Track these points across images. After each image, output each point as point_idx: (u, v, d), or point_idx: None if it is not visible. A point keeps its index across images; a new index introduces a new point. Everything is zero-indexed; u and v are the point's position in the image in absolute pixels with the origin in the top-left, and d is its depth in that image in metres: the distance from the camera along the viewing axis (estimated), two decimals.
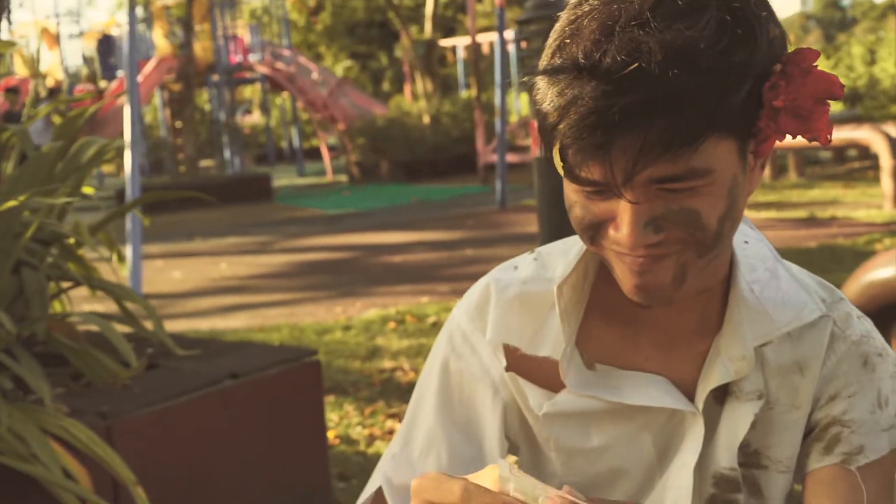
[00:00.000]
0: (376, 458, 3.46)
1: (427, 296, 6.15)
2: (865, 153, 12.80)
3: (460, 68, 27.08)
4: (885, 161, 7.95)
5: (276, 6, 20.60)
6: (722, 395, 1.08)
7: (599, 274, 1.09)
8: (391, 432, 3.69)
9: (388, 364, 4.62)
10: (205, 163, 18.26)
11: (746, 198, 1.00)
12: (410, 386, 4.21)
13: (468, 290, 1.19)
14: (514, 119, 17.93)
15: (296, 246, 9.29)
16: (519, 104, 19.95)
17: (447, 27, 30.79)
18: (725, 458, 1.09)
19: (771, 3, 0.95)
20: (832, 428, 1.08)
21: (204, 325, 5.64)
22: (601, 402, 1.08)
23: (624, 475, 1.11)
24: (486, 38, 20.18)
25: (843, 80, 0.92)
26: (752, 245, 1.11)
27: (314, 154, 23.72)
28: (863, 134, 8.24)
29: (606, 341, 1.11)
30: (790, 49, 0.95)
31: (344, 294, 6.47)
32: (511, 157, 11.76)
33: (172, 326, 4.95)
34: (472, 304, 1.17)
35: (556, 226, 3.79)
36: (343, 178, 17.88)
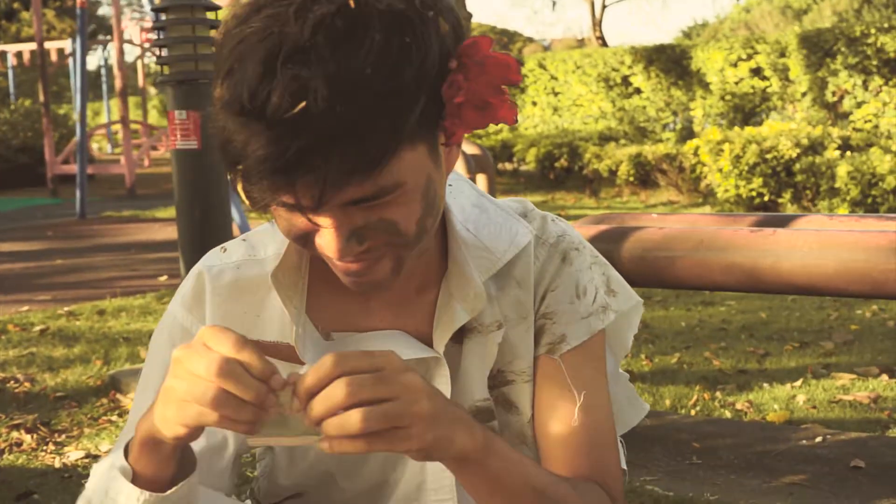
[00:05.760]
0: (9, 470, 3.11)
1: (27, 304, 5.63)
2: None
3: (11, 76, 25.00)
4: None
5: None
6: (459, 333, 1.10)
7: None
8: (19, 444, 3.34)
9: None
10: None
11: (445, 181, 1.00)
12: (28, 396, 3.83)
13: (181, 283, 1.13)
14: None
15: None
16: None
17: None
18: (478, 390, 1.11)
19: None
20: (539, 321, 1.12)
21: None
22: None
23: None
24: (50, 46, 18.78)
25: None
26: (454, 186, 1.12)
27: None
28: None
29: (338, 309, 1.11)
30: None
31: None
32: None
33: None
34: (188, 295, 1.12)
35: (199, 222, 3.31)
36: None
